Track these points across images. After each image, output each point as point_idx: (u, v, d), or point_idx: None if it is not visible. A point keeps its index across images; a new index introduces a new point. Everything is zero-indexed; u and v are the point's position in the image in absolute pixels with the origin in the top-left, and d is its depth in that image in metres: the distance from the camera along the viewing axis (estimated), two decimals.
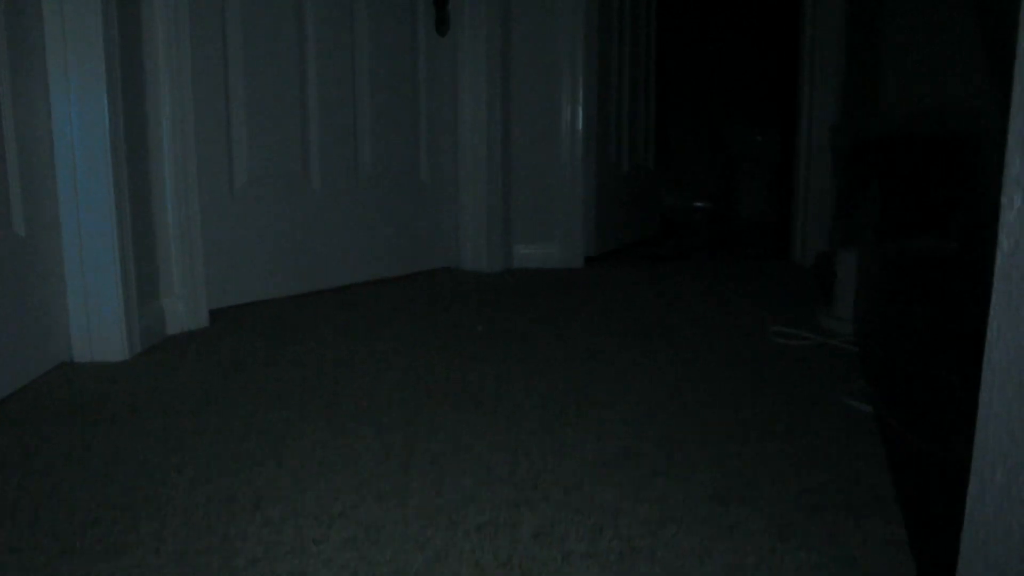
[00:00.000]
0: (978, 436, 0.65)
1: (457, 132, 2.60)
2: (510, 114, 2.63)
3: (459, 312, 2.13)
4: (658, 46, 3.32)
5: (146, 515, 1.01)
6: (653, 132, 3.32)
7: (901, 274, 1.99)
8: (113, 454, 1.21)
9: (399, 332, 1.93)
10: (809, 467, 1.16)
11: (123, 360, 1.70)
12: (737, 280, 2.61)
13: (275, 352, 1.76)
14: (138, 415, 1.38)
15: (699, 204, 4.53)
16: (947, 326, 1.89)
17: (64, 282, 1.67)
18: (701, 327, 2.00)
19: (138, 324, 1.75)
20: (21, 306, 1.55)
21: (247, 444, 1.24)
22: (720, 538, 0.95)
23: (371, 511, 1.02)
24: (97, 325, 1.69)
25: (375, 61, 2.37)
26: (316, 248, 2.31)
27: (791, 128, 2.90)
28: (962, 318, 1.90)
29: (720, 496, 1.06)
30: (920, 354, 1.75)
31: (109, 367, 1.66)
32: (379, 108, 2.41)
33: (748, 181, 4.15)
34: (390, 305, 2.21)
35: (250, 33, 2.10)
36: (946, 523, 0.82)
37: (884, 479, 1.11)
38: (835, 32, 2.68)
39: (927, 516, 1.01)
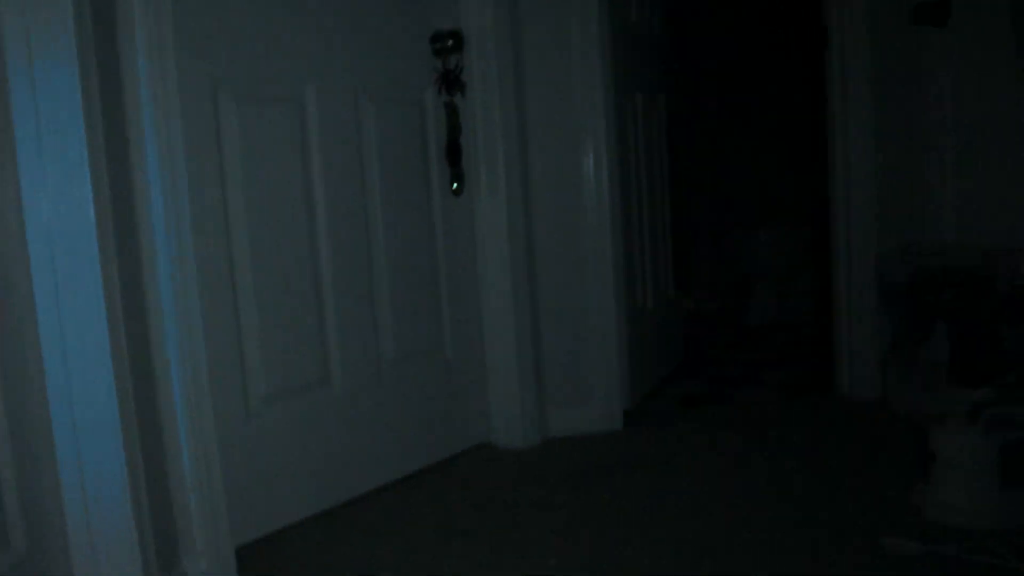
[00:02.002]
0: None
1: (480, 299, 2.38)
2: (535, 272, 2.41)
3: (508, 530, 1.88)
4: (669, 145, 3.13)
5: None
6: (671, 254, 3.13)
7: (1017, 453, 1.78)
8: None
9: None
10: None
11: None
12: (791, 436, 2.39)
13: None
14: None
15: (715, 307, 4.35)
16: None
17: None
18: (785, 530, 1.78)
19: None
20: None
21: None
22: None
23: None
24: None
25: (391, 236, 2.15)
26: (340, 456, 2.06)
27: (823, 241, 2.72)
28: None
29: None
30: None
31: None
32: (398, 287, 2.18)
33: (763, 285, 3.96)
34: (427, 520, 1.95)
35: (256, 224, 1.87)
36: None
37: None
38: (871, 149, 2.52)
39: None
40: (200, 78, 1.75)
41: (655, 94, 2.96)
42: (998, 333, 2.08)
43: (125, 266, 1.47)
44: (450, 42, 2.21)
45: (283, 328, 1.94)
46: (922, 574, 1.56)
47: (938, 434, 1.81)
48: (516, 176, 2.33)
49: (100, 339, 1.39)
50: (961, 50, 2.31)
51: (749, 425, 2.51)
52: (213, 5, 1.77)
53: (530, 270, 2.40)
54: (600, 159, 2.41)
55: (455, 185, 2.28)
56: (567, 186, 2.42)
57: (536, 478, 2.18)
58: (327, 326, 2.04)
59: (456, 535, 1.86)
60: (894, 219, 2.51)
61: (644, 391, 2.82)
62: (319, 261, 2.01)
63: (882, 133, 2.49)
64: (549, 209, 2.42)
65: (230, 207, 1.83)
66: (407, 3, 2.18)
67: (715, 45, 4.28)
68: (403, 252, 2.19)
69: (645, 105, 2.82)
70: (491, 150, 2.30)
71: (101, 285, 1.39)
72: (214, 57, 1.78)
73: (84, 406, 1.39)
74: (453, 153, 2.26)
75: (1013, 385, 2.05)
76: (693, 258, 4.34)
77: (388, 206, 2.15)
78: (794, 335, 3.71)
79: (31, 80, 1.33)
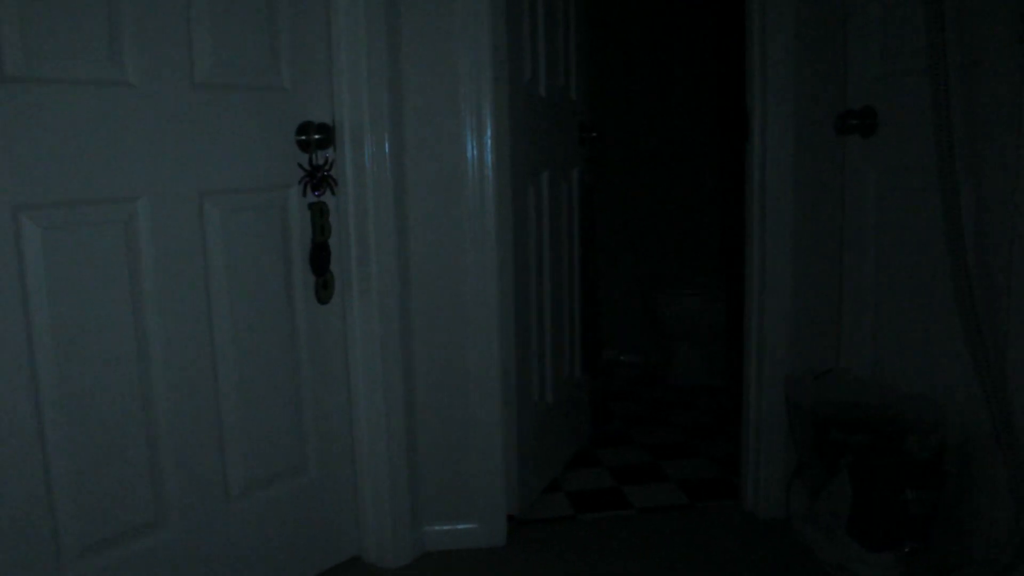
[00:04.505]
0: None
1: (351, 411, 2.16)
2: (413, 381, 2.20)
3: None
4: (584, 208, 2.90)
5: None
6: (580, 336, 2.92)
7: None
8: None
9: None
10: None
11: None
12: (689, 566, 2.22)
13: None
14: None
15: (639, 360, 4.18)
16: None
17: None
18: None
19: None
20: None
21: None
22: None
23: None
24: None
25: (242, 355, 1.93)
26: None
27: (736, 298, 2.52)
28: None
29: None
30: None
31: None
32: (251, 409, 1.96)
33: (687, 345, 3.78)
34: None
35: (69, 359, 1.65)
36: None
37: None
38: (788, 263, 2.31)
39: None
40: None
41: (567, 169, 2.74)
42: (904, 494, 1.91)
43: None
44: (317, 136, 1.97)
45: (104, 471, 1.72)
46: None
47: None
48: (394, 280, 2.11)
49: None
50: (887, 163, 2.11)
51: (645, 545, 2.33)
52: (15, 127, 1.52)
53: (407, 379, 2.18)
54: (489, 257, 2.18)
55: (322, 292, 2.05)
56: (451, 289, 2.19)
57: None
58: (162, 463, 1.81)
59: None
60: (809, 341, 2.32)
61: (542, 486, 2.64)
62: (152, 392, 1.78)
63: (801, 245, 2.28)
64: (430, 314, 2.20)
65: (35, 345, 1.59)
66: (270, 93, 1.92)
67: (644, 107, 4.09)
68: (258, 370, 1.97)
69: (552, 182, 2.59)
70: (364, 253, 2.07)
71: None
72: (16, 185, 1.53)
73: None
74: (319, 258, 2.03)
75: (912, 557, 1.90)
76: (620, 314, 4.15)
77: (239, 322, 1.91)
78: (713, 402, 3.55)
79: None
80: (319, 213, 2.01)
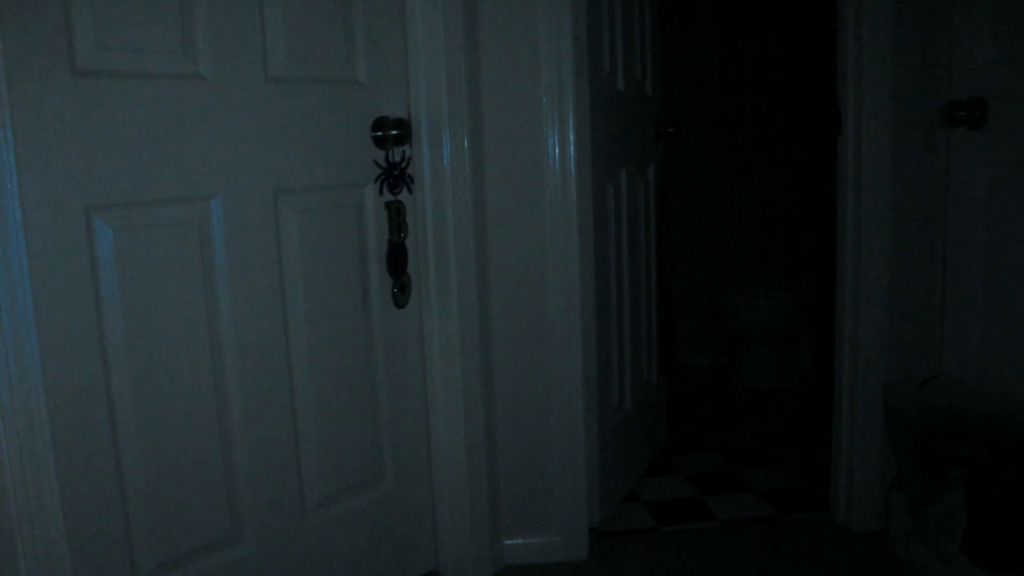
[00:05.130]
0: None
1: (429, 420, 2.07)
2: (493, 389, 2.10)
3: None
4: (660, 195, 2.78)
5: None
6: (656, 338, 2.80)
7: None
8: None
9: None
10: None
11: None
12: None
13: None
14: None
15: (707, 363, 4.05)
16: None
17: None
18: None
19: None
20: None
21: None
22: None
23: None
24: None
25: (318, 362, 1.84)
26: None
27: (823, 300, 2.37)
28: None
29: None
30: None
31: None
32: (327, 419, 1.87)
33: (759, 347, 3.64)
34: None
35: (142, 369, 1.57)
36: None
37: None
38: (885, 264, 2.17)
39: None
40: (70, 207, 1.44)
41: (644, 166, 2.62)
42: None
43: None
44: (394, 132, 1.87)
45: (178, 484, 1.64)
46: None
47: None
48: (472, 283, 2.01)
49: None
50: (1000, 157, 1.96)
51: (733, 560, 2.21)
52: (87, 123, 1.44)
53: (486, 385, 2.08)
54: (571, 258, 2.08)
55: (399, 296, 1.96)
56: (531, 292, 2.09)
57: None
58: (236, 475, 1.73)
59: None
60: (908, 345, 2.18)
61: (620, 497, 2.52)
62: (226, 402, 1.70)
63: (899, 244, 2.14)
64: (510, 318, 2.10)
65: (109, 352, 1.52)
66: (344, 87, 1.83)
67: (716, 100, 3.92)
68: (334, 378, 1.88)
69: (631, 180, 2.48)
70: (443, 254, 1.98)
71: None
72: (89, 184, 1.45)
73: None
74: (396, 260, 1.94)
75: None
76: (688, 315, 4.01)
77: (315, 328, 1.83)
78: (785, 407, 3.41)
79: None
80: (396, 213, 1.92)
